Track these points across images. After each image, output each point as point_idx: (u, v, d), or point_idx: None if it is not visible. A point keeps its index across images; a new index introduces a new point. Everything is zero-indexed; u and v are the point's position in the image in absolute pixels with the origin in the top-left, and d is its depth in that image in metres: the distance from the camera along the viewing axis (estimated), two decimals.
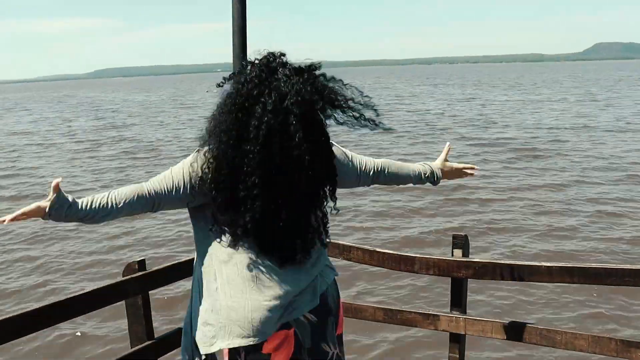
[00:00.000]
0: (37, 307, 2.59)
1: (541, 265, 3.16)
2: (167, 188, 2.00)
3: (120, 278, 3.04)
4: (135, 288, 3.04)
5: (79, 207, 1.88)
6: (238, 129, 1.88)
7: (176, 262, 3.27)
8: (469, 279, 3.47)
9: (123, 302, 3.13)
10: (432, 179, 2.55)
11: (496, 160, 15.57)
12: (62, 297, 2.72)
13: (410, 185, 2.59)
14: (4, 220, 1.81)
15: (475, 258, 3.41)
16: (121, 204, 1.93)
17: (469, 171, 2.67)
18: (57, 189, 1.82)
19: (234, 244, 2.02)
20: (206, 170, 1.98)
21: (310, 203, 2.06)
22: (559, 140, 19.23)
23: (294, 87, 1.87)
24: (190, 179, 2.02)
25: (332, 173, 2.08)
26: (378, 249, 3.55)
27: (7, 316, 2.46)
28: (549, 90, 50.51)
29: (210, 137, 1.98)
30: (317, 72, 1.97)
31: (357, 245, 3.62)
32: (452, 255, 3.42)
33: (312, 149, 1.91)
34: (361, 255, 3.56)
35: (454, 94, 49.08)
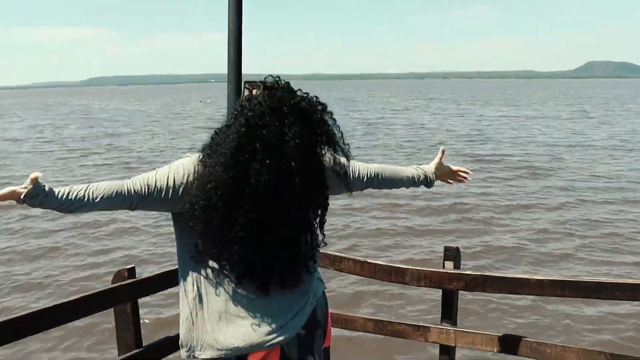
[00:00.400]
0: (23, 314, 2.55)
1: (531, 279, 3.15)
2: (148, 190, 1.96)
3: (110, 285, 3.02)
4: (124, 295, 3.02)
5: (55, 196, 1.85)
6: (237, 170, 1.84)
7: (166, 269, 3.25)
8: (460, 291, 3.47)
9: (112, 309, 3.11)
10: (425, 182, 2.57)
11: (494, 178, 15.45)
12: (50, 304, 2.68)
13: (403, 189, 2.61)
14: None
15: (467, 270, 3.41)
16: (98, 198, 1.89)
17: (462, 174, 2.71)
18: (34, 181, 1.81)
19: (217, 272, 2.01)
20: (197, 186, 1.93)
21: (301, 230, 2.03)
22: (556, 157, 19.17)
23: (299, 133, 1.85)
24: (175, 185, 1.98)
25: (324, 199, 2.05)
26: (369, 260, 3.54)
27: None
28: (543, 107, 50.89)
29: (209, 154, 1.93)
30: (320, 109, 1.96)
31: (348, 256, 3.61)
32: (444, 267, 3.42)
33: (310, 185, 1.92)
34: (352, 266, 3.55)
35: (448, 109, 49.31)
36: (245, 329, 2.00)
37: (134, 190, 1.95)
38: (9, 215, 12.12)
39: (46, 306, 2.67)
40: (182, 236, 2.08)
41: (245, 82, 2.22)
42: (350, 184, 2.19)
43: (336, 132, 2.01)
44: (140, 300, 3.18)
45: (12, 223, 11.64)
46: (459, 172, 2.71)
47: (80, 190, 1.89)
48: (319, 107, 1.97)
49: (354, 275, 3.68)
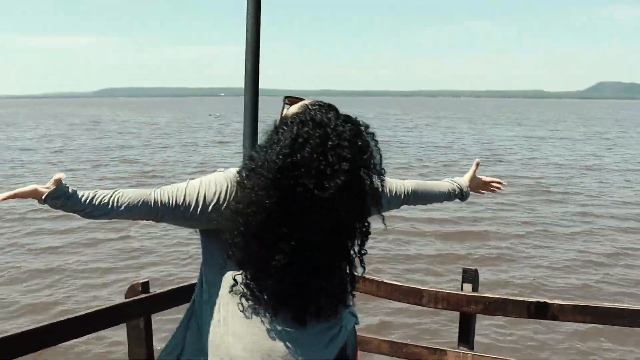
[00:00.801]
0: (35, 327, 2.52)
1: (553, 303, 3.09)
2: (176, 203, 1.85)
3: (122, 299, 2.98)
4: (137, 310, 2.97)
5: (78, 199, 1.75)
6: (279, 194, 1.73)
7: (180, 285, 3.21)
8: (477, 314, 3.40)
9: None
10: (460, 195, 2.57)
11: (510, 201, 15.08)
12: (62, 318, 2.64)
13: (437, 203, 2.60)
14: None
15: (486, 293, 3.34)
16: (122, 206, 1.79)
17: (495, 185, 2.73)
18: (58, 182, 1.72)
19: (250, 299, 1.89)
20: (235, 210, 1.80)
21: (340, 259, 1.90)
22: (571, 180, 18.95)
23: (343, 155, 1.74)
24: (205, 201, 1.86)
25: (366, 226, 1.91)
26: (386, 281, 3.49)
27: (2, 336, 2.39)
28: (555, 128, 50.59)
29: (248, 175, 1.81)
30: (364, 130, 1.86)
31: (364, 276, 3.53)
32: (462, 289, 3.36)
33: (354, 210, 1.82)
34: (369, 287, 3.49)
35: (459, 128, 49.08)
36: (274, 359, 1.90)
37: (161, 202, 1.84)
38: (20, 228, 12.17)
39: (58, 320, 2.64)
40: (210, 252, 1.99)
41: (285, 97, 2.11)
42: (381, 206, 2.04)
43: (376, 154, 1.89)
44: (154, 316, 3.13)
45: (20, 237, 11.66)
46: (492, 183, 2.73)
47: (105, 196, 1.79)
48: (363, 128, 1.86)
49: (370, 296, 3.60)
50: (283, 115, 2.02)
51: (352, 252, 1.91)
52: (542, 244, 11.02)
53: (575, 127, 51.96)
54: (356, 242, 1.90)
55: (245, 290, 1.86)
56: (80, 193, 1.77)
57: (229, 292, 1.90)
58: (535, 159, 25.45)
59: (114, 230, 11.68)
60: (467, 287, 3.35)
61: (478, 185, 2.69)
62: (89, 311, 2.78)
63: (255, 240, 1.77)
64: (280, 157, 1.72)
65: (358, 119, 1.87)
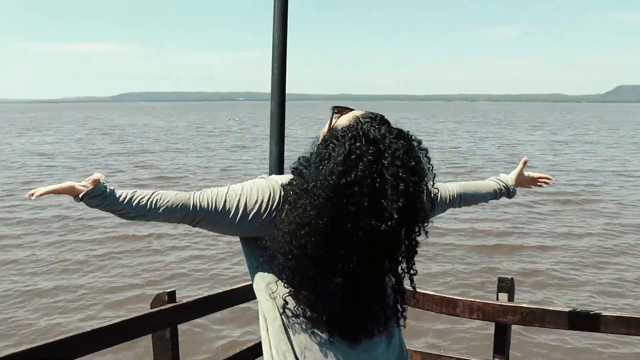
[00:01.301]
0: (59, 339, 2.43)
1: (595, 313, 2.96)
2: (215, 208, 1.77)
3: (148, 310, 2.89)
4: (163, 321, 2.88)
5: (116, 198, 1.71)
6: (333, 214, 1.64)
7: (207, 294, 3.11)
8: (512, 325, 3.27)
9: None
10: (507, 194, 2.56)
11: (540, 209, 14.76)
12: (87, 329, 2.55)
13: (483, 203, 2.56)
14: (33, 194, 1.68)
15: (523, 303, 3.21)
16: (160, 209, 1.73)
17: (543, 181, 2.71)
18: (96, 181, 1.69)
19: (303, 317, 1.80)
20: (289, 230, 1.69)
21: (391, 276, 1.83)
22: (599, 185, 18.54)
23: (398, 172, 1.67)
24: (245, 209, 1.78)
25: (414, 244, 1.82)
26: (419, 290, 3.36)
27: (25, 348, 2.31)
28: (577, 132, 49.83)
29: (299, 194, 1.72)
30: (417, 146, 1.79)
31: None
32: (498, 299, 3.23)
33: (409, 229, 1.75)
34: None
35: (479, 132, 48.61)
36: None
37: (200, 206, 1.77)
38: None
39: (82, 332, 2.55)
40: (255, 258, 1.89)
41: (334, 107, 1.98)
42: (433, 202, 1.98)
43: (429, 172, 1.84)
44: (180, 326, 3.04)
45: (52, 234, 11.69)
46: (540, 179, 2.71)
47: (144, 197, 1.74)
48: (415, 144, 1.79)
49: None
50: (332, 126, 1.90)
51: (400, 269, 1.82)
52: (572, 250, 10.78)
53: (597, 131, 51.14)
54: (404, 258, 1.81)
55: (300, 312, 1.77)
56: (118, 193, 1.72)
57: (281, 314, 1.81)
58: (561, 164, 24.98)
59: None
60: (503, 297, 3.23)
61: (525, 182, 2.67)
62: (113, 322, 2.70)
63: (311, 263, 1.68)
64: (334, 176, 1.64)
65: (410, 134, 1.79)
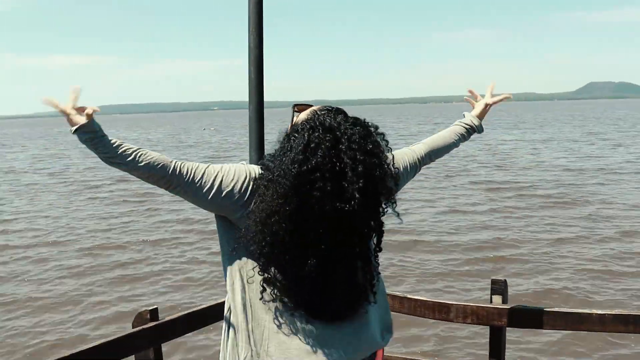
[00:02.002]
0: None
1: (592, 313, 2.89)
2: (192, 179, 1.89)
3: (129, 330, 2.75)
4: (146, 340, 2.74)
5: (106, 141, 1.84)
6: (298, 200, 1.75)
7: (192, 310, 2.98)
8: (507, 328, 3.19)
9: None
10: (474, 132, 2.64)
11: (527, 209, 14.63)
12: (66, 353, 2.41)
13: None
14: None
15: (517, 305, 3.13)
16: (142, 163, 1.84)
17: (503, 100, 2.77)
18: (90, 116, 1.81)
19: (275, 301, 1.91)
20: (260, 220, 1.79)
21: (360, 258, 1.91)
22: (582, 185, 18.38)
23: (356, 156, 1.78)
24: (220, 186, 1.89)
25: (379, 223, 1.93)
26: (409, 295, 3.27)
27: None
28: (552, 130, 50.14)
29: (266, 185, 1.82)
30: (374, 131, 1.92)
31: (386, 292, 3.33)
32: (491, 302, 3.15)
33: (373, 210, 1.86)
34: (390, 302, 3.26)
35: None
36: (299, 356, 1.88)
37: (179, 172, 1.88)
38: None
39: (60, 356, 2.41)
40: (228, 241, 1.98)
41: (294, 105, 2.11)
42: (403, 170, 2.22)
43: (389, 153, 1.94)
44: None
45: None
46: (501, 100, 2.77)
47: (130, 148, 1.86)
48: (372, 129, 1.91)
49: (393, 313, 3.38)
50: (293, 123, 2.05)
51: (370, 250, 1.93)
52: (565, 253, 10.65)
53: (573, 129, 51.46)
54: (372, 238, 1.94)
55: (275, 296, 1.86)
56: (110, 138, 1.85)
57: (260, 299, 1.90)
58: (544, 162, 24.94)
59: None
60: (497, 299, 3.14)
61: (487, 110, 2.72)
62: (93, 344, 2.55)
63: (283, 249, 1.78)
64: (296, 164, 1.74)
65: (367, 121, 1.92)
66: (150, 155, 1.87)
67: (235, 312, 1.94)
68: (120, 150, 1.83)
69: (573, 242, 11.31)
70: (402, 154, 2.31)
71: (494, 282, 3.18)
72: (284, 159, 1.80)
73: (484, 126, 2.70)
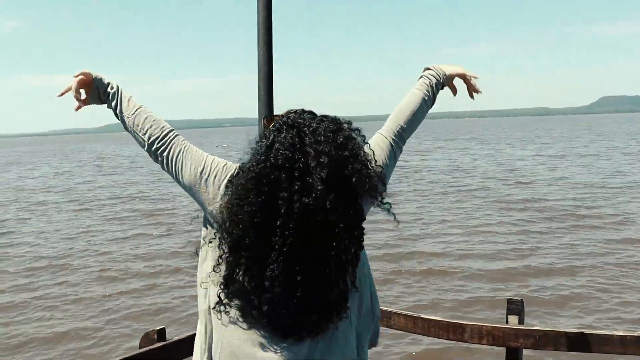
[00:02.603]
0: None
1: (613, 335, 2.79)
2: (176, 151, 1.99)
3: (137, 350, 2.70)
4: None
5: (119, 89, 2.11)
6: (264, 202, 1.67)
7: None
8: (524, 349, 3.09)
9: None
10: (440, 86, 2.27)
11: (551, 229, 14.06)
12: None
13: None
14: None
15: (535, 326, 3.04)
16: (138, 126, 2.04)
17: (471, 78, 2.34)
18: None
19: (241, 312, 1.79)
20: (230, 225, 1.72)
21: (333, 267, 1.71)
22: (605, 200, 17.85)
23: (322, 154, 1.67)
24: (195, 169, 1.94)
25: (358, 230, 1.76)
26: (423, 315, 3.19)
27: None
28: (571, 145, 49.23)
29: (232, 193, 1.76)
30: (346, 127, 1.80)
31: (398, 311, 3.26)
32: (507, 322, 3.06)
33: (344, 211, 1.68)
34: (403, 323, 3.21)
35: (471, 149, 48.08)
36: None
37: (174, 140, 2.01)
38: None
39: None
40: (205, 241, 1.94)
41: (264, 118, 2.10)
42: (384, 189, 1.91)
43: (367, 149, 1.84)
44: None
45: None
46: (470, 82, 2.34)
47: (133, 106, 2.08)
48: (345, 125, 1.80)
49: (405, 333, 3.32)
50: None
51: (346, 259, 1.73)
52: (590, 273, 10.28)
53: (589, 143, 50.67)
54: (350, 249, 1.73)
55: (235, 303, 1.77)
56: (123, 94, 2.11)
57: (216, 306, 1.81)
58: (564, 178, 24.29)
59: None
60: (513, 320, 3.06)
61: (455, 82, 2.34)
62: None
63: (244, 252, 1.69)
64: (254, 163, 1.71)
65: (338, 117, 1.82)
66: (151, 121, 2.03)
67: (199, 319, 1.93)
68: (125, 109, 2.08)
69: (592, 257, 11.09)
70: (375, 145, 2.05)
71: (510, 301, 3.10)
72: (251, 162, 1.74)
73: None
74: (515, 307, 3.06)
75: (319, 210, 1.63)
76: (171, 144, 2.01)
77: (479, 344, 3.10)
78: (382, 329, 2.99)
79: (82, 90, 2.09)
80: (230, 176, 1.88)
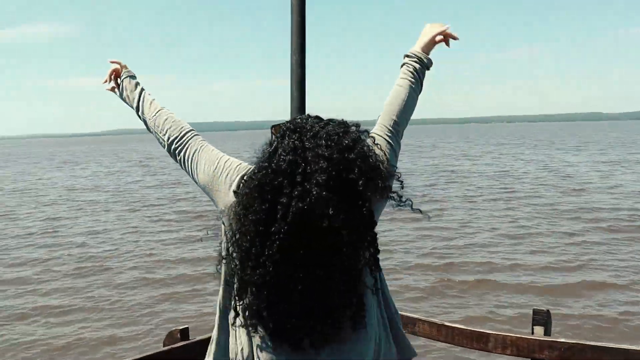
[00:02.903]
0: None
1: None
2: (195, 157, 2.03)
3: (160, 348, 2.77)
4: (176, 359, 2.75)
5: (139, 96, 2.25)
6: (265, 207, 1.63)
7: None
8: None
9: None
10: (425, 68, 2.18)
11: (604, 239, 13.48)
12: None
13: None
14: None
15: (561, 338, 2.98)
16: (159, 127, 2.14)
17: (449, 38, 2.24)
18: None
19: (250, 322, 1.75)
20: (235, 231, 1.70)
21: (339, 273, 1.66)
22: None
23: (322, 157, 1.62)
24: (208, 167, 1.98)
25: (368, 234, 1.69)
26: (447, 323, 3.17)
27: None
28: (627, 151, 46.86)
29: (238, 202, 1.73)
30: (353, 130, 1.73)
31: (422, 318, 3.25)
32: (533, 333, 3.01)
33: (349, 216, 1.62)
34: (427, 330, 3.19)
35: (523, 154, 46.67)
36: None
37: (187, 148, 2.05)
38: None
39: None
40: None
41: (272, 126, 2.00)
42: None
43: (377, 151, 1.80)
44: None
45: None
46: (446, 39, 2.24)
47: (154, 111, 2.19)
48: (352, 128, 1.74)
49: (428, 340, 3.30)
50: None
51: (355, 264, 1.67)
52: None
53: None
54: (364, 256, 1.68)
55: (243, 312, 1.73)
56: (145, 94, 2.28)
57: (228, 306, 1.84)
58: (618, 186, 23.08)
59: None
60: (539, 331, 3.01)
61: (433, 44, 2.22)
62: None
63: (249, 261, 1.65)
64: (256, 170, 1.69)
65: (345, 120, 1.77)
66: (170, 122, 2.12)
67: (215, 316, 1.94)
68: (144, 110, 2.22)
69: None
70: (377, 141, 1.97)
71: (536, 312, 3.05)
72: (256, 169, 1.71)
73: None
74: (541, 317, 3.01)
75: (316, 216, 1.58)
76: (188, 144, 2.06)
77: (503, 354, 3.06)
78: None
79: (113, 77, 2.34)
80: (241, 177, 1.86)
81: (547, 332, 3.01)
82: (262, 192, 1.64)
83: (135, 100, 2.24)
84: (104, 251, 13.90)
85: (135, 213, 20.34)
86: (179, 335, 2.79)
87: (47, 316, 9.30)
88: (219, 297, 1.92)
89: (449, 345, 3.28)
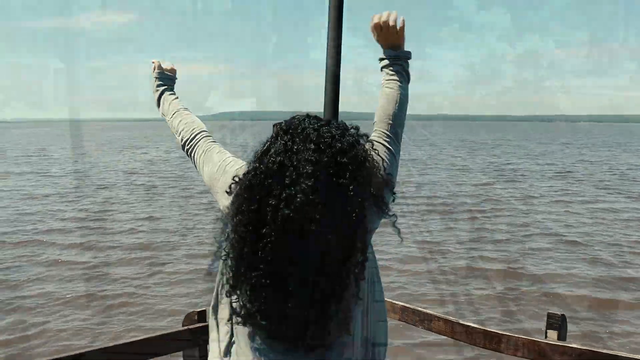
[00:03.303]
0: (83, 351, 2.47)
1: None
2: (202, 158, 2.09)
3: (178, 327, 2.90)
4: (193, 339, 2.88)
5: (163, 93, 2.39)
6: (254, 208, 1.61)
7: None
8: None
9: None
10: (405, 63, 2.14)
11: None
12: (112, 343, 2.59)
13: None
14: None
15: (573, 344, 2.96)
16: (174, 128, 2.24)
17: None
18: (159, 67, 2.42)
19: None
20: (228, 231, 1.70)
21: (328, 277, 1.61)
22: None
23: (312, 160, 1.58)
24: (211, 164, 2.04)
25: (357, 240, 1.64)
26: (462, 322, 3.20)
27: (49, 358, 2.36)
28: None
29: (232, 202, 1.71)
30: (351, 133, 1.70)
31: (439, 315, 3.28)
32: (546, 336, 3.01)
33: (338, 221, 1.58)
34: (442, 326, 3.23)
35: (586, 155, 45.21)
36: None
37: (197, 146, 2.13)
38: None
39: (113, 343, 2.60)
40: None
41: (274, 125, 1.94)
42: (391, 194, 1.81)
43: (376, 157, 1.72)
44: None
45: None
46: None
47: (173, 110, 2.31)
48: (351, 131, 1.70)
49: (442, 336, 3.33)
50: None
51: (343, 275, 1.63)
52: None
53: None
54: (351, 263, 1.63)
55: (241, 313, 1.70)
56: (167, 93, 2.40)
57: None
58: None
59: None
60: (552, 335, 3.00)
61: (387, 35, 2.13)
62: (142, 337, 2.74)
63: (242, 262, 1.63)
64: (247, 170, 1.67)
65: (344, 122, 1.73)
66: (185, 121, 2.22)
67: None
68: (165, 106, 2.35)
69: None
70: (378, 147, 1.90)
71: (550, 315, 3.04)
72: (248, 172, 1.69)
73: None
74: (555, 321, 3.00)
75: (301, 221, 1.54)
76: (197, 145, 2.13)
77: (514, 355, 3.06)
78: (423, 331, 3.01)
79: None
80: (233, 177, 1.78)
81: (560, 337, 2.99)
82: (251, 193, 1.62)
83: (155, 101, 2.39)
84: (156, 239, 14.09)
85: (190, 200, 20.44)
86: (196, 317, 2.91)
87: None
88: (213, 298, 1.94)
89: (463, 343, 3.29)
